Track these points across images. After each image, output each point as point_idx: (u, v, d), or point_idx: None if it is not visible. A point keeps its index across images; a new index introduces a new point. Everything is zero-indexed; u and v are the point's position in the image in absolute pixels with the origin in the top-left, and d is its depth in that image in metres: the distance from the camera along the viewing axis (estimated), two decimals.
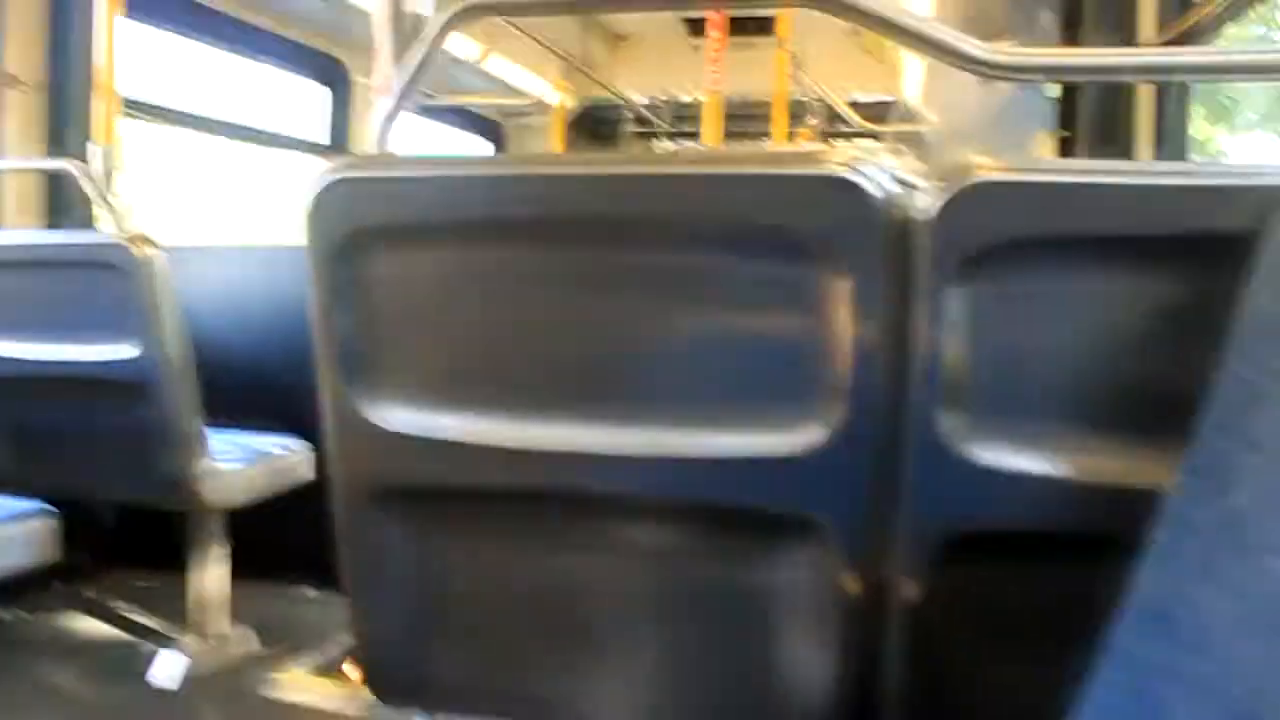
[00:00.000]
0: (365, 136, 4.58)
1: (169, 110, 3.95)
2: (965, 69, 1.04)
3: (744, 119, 6.55)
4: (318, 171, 1.08)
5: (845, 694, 1.04)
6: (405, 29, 1.25)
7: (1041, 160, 2.22)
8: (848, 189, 0.93)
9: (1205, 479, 0.70)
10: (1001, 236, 0.91)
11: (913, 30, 1.03)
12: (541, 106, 6.05)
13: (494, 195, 1.04)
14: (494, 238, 1.06)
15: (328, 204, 1.07)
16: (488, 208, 1.04)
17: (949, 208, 0.91)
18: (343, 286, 1.08)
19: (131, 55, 3.23)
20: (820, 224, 0.95)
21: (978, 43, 1.02)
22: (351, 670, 2.35)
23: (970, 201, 0.91)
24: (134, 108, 3.56)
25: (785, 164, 0.98)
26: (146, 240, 2.22)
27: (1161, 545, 0.72)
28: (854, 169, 0.93)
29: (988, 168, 0.92)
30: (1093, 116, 2.59)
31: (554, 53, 5.67)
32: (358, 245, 1.07)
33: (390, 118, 1.17)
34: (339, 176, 1.07)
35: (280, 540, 3.06)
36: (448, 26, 1.12)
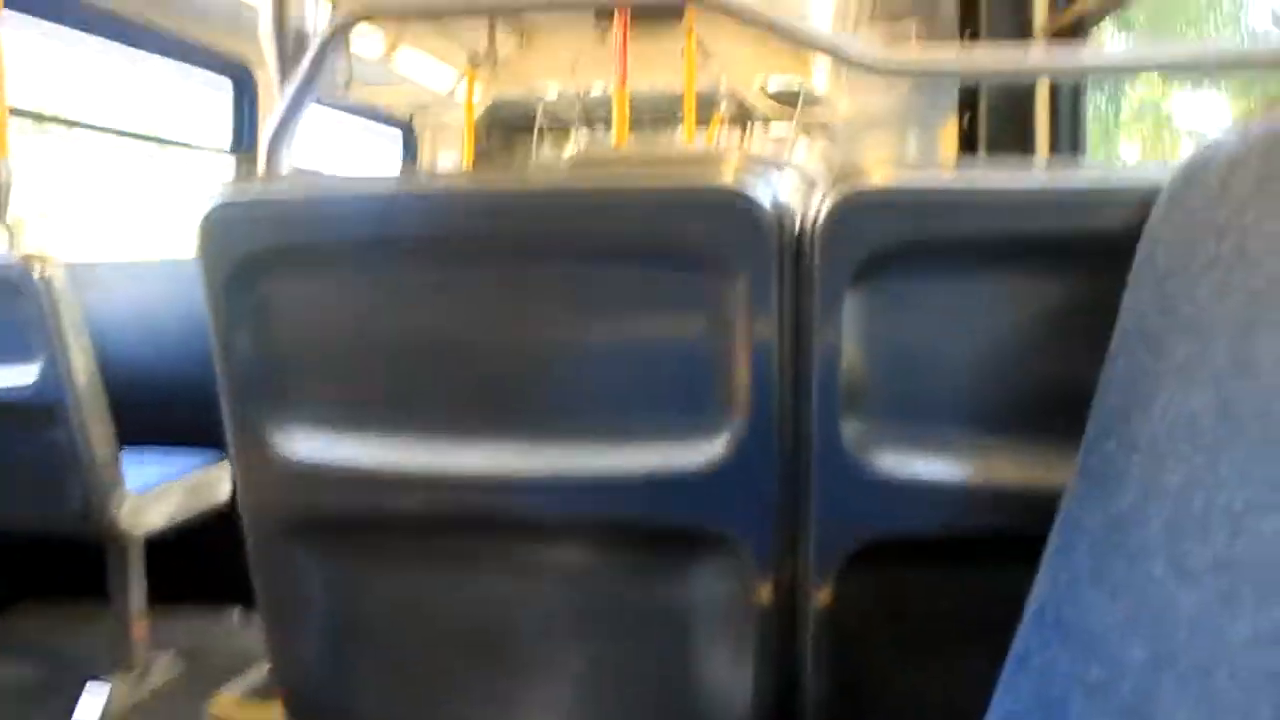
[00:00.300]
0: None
1: (62, 117, 3.82)
2: (855, 68, 1.07)
3: (656, 109, 6.56)
4: (205, 197, 1.06)
5: (764, 703, 1.06)
6: (290, 42, 1.22)
7: (927, 164, 2.27)
8: (738, 201, 0.94)
9: (1093, 482, 0.73)
10: (889, 244, 0.93)
11: (792, 31, 1.05)
12: (452, 103, 5.98)
13: (388, 216, 1.03)
14: (390, 259, 1.05)
15: (218, 229, 1.05)
16: (381, 229, 1.03)
17: (836, 216, 0.93)
18: (239, 313, 1.06)
19: (14, 57, 3.10)
20: (712, 236, 0.96)
21: (856, 42, 1.05)
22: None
23: (857, 210, 0.93)
24: (23, 116, 3.45)
25: (679, 178, 0.99)
26: (46, 259, 2.15)
27: (1055, 549, 0.75)
28: (744, 180, 0.95)
29: (873, 175, 0.94)
30: (991, 109, 2.65)
31: (461, 45, 5.61)
32: (251, 270, 1.05)
33: (279, 134, 1.15)
34: (227, 201, 1.05)
35: (201, 562, 3.00)
36: (330, 40, 1.10)
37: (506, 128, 7.23)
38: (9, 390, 2.18)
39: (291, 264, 1.05)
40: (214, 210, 1.04)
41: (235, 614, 2.96)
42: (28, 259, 2.13)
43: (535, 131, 6.50)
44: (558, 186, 1.02)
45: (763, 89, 6.11)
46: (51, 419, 2.18)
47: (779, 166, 0.99)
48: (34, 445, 2.22)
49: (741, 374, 0.98)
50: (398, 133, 6.42)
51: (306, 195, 1.04)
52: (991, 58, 1.28)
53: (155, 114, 4.29)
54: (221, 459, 2.64)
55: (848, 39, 1.05)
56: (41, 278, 2.12)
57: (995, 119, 2.61)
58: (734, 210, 0.94)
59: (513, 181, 1.04)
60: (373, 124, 6.21)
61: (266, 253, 1.05)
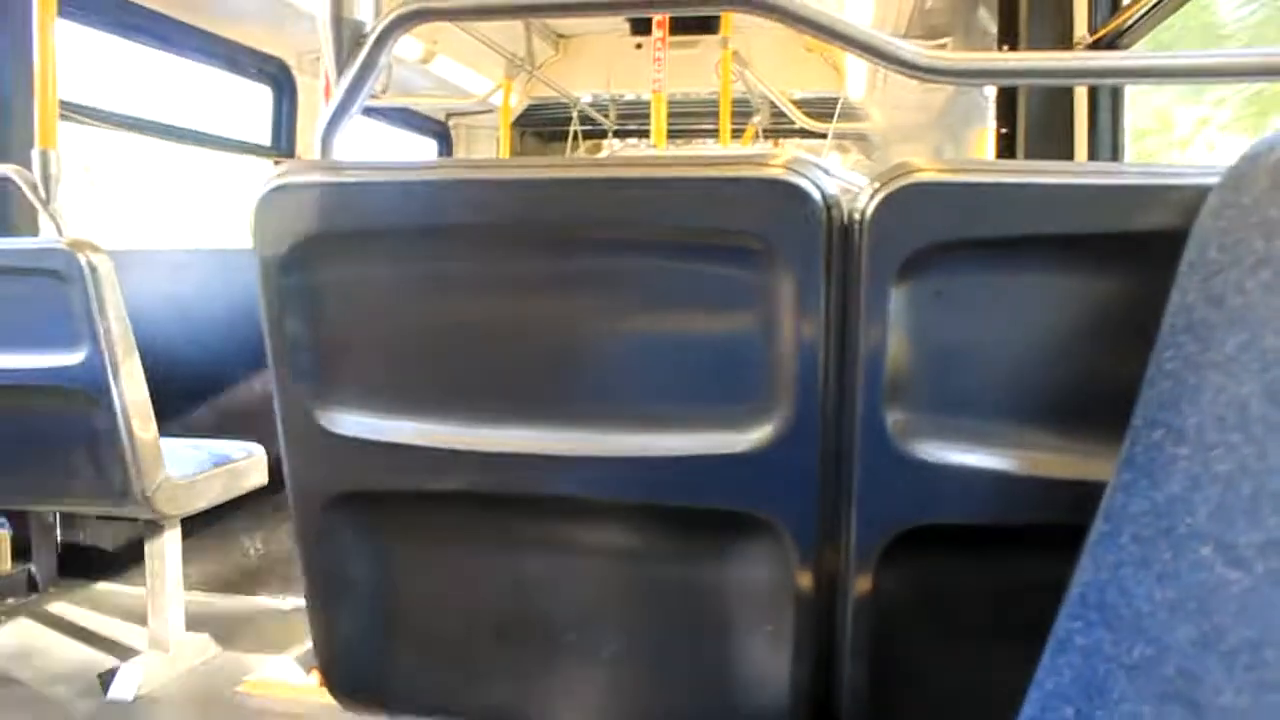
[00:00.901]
0: (311, 139, 4.54)
1: (109, 113, 3.89)
2: (899, 72, 1.08)
3: (690, 116, 6.59)
4: (262, 179, 1.09)
5: (802, 687, 1.07)
6: (347, 35, 1.25)
7: (976, 161, 2.28)
8: (788, 191, 0.95)
9: (1139, 472, 0.74)
10: (937, 236, 0.94)
11: (847, 35, 1.06)
12: (488, 107, 6.04)
13: (438, 201, 1.05)
14: (439, 243, 1.06)
15: (272, 212, 1.07)
16: (432, 214, 1.05)
17: (885, 208, 0.94)
18: (291, 294, 1.09)
19: (69, 58, 3.17)
20: (762, 226, 0.97)
21: (911, 46, 1.05)
22: (314, 675, 2.36)
23: (906, 202, 0.94)
24: (74, 111, 3.51)
25: (727, 167, 0.99)
26: (91, 245, 2.20)
27: (1100, 536, 0.76)
28: (794, 171, 0.96)
29: (922, 169, 0.94)
30: (1030, 114, 2.66)
31: (498, 52, 5.66)
32: (304, 252, 1.07)
33: (333, 124, 1.17)
34: (282, 184, 1.07)
35: (236, 545, 3.05)
36: (385, 33, 1.12)
37: (541, 134, 7.29)
38: (54, 372, 2.23)
39: (343, 246, 1.07)
40: (269, 192, 1.07)
41: (266, 597, 3.00)
42: (74, 244, 2.17)
43: (570, 137, 6.53)
44: (605, 174, 1.04)
45: (797, 99, 6.12)
46: (95, 402, 2.22)
47: (825, 166, 1.00)
48: (77, 428, 2.26)
49: (787, 362, 0.99)
50: (427, 140, 6.49)
51: (359, 180, 1.07)
52: (1034, 62, 1.29)
53: (194, 115, 4.35)
54: (256, 449, 2.67)
55: (895, 44, 1.06)
56: (87, 263, 2.16)
57: (1033, 127, 2.62)
58: (784, 199, 0.96)
59: (560, 168, 1.05)
60: (408, 129, 6.27)
61: (319, 235, 1.07)
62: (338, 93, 1.18)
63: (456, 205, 1.05)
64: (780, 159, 0.98)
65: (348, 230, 1.07)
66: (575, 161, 1.06)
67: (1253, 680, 0.54)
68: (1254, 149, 0.74)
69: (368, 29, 1.18)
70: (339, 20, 1.22)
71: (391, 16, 1.12)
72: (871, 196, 0.94)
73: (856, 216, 0.95)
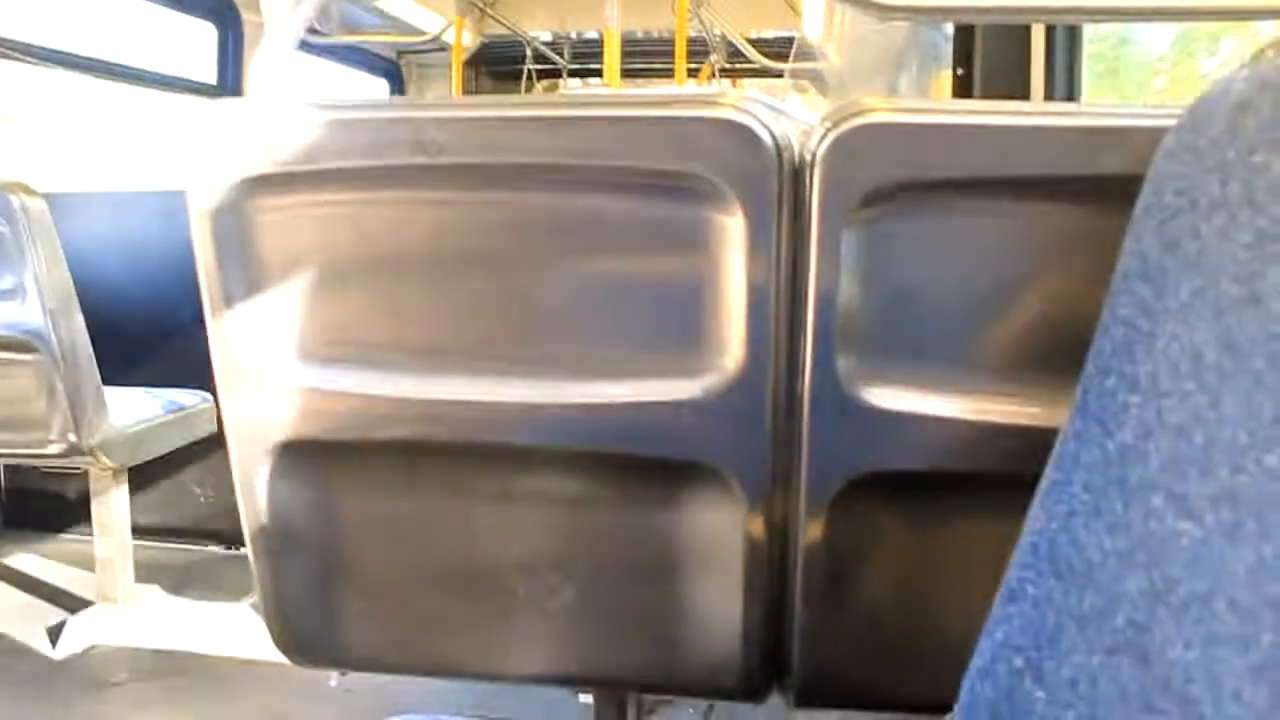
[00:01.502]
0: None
1: (39, 49, 3.74)
2: (856, 8, 1.05)
3: (645, 56, 6.49)
4: (197, 116, 1.04)
5: (753, 635, 1.07)
6: None
7: (930, 101, 2.27)
8: (739, 131, 0.93)
9: (1091, 420, 0.74)
10: (890, 177, 0.92)
11: None
12: (440, 45, 5.90)
13: (380, 140, 1.02)
14: (380, 183, 1.03)
15: (205, 154, 1.03)
16: (374, 153, 1.02)
17: (836, 148, 0.92)
18: (226, 239, 1.05)
19: None
20: (711, 166, 0.95)
21: None
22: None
23: (858, 142, 0.92)
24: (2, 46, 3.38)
25: (676, 106, 0.97)
26: (24, 187, 2.12)
27: (1052, 484, 0.75)
28: (744, 111, 0.94)
29: (875, 108, 0.92)
30: (987, 55, 2.63)
31: None
32: (240, 195, 1.04)
33: (274, 59, 1.13)
34: (214, 123, 1.03)
35: (185, 495, 3.01)
36: None
37: (494, 73, 7.15)
38: None
39: (279, 188, 1.04)
40: (203, 132, 1.02)
41: (217, 548, 2.97)
42: (6, 186, 2.10)
43: (524, 77, 6.42)
44: (552, 112, 1.00)
45: (754, 39, 6.04)
46: (33, 349, 2.17)
47: (777, 106, 0.98)
48: (17, 378, 2.21)
49: (737, 307, 0.97)
50: (378, 80, 6.34)
51: (297, 118, 1.02)
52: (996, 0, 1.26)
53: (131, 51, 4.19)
54: (205, 396, 2.63)
55: None
56: (20, 206, 2.09)
57: (990, 67, 2.60)
58: (733, 140, 0.93)
59: (507, 106, 1.02)
60: (358, 68, 6.12)
61: (255, 177, 1.03)
62: (273, 26, 1.14)
63: (399, 144, 1.01)
64: (730, 98, 0.95)
65: (284, 172, 1.03)
66: (522, 100, 1.03)
67: (1202, 634, 0.54)
68: (1212, 90, 0.73)
69: None
70: None
71: None
72: (823, 136, 0.92)
73: (808, 157, 0.93)
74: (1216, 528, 0.56)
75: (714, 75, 6.46)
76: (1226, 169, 0.68)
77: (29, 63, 3.63)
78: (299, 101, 1.05)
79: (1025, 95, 2.51)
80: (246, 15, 4.58)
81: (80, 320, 2.20)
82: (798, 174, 0.94)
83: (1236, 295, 0.63)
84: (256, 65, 1.16)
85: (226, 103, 1.05)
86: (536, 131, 0.99)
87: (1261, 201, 0.63)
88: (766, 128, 0.93)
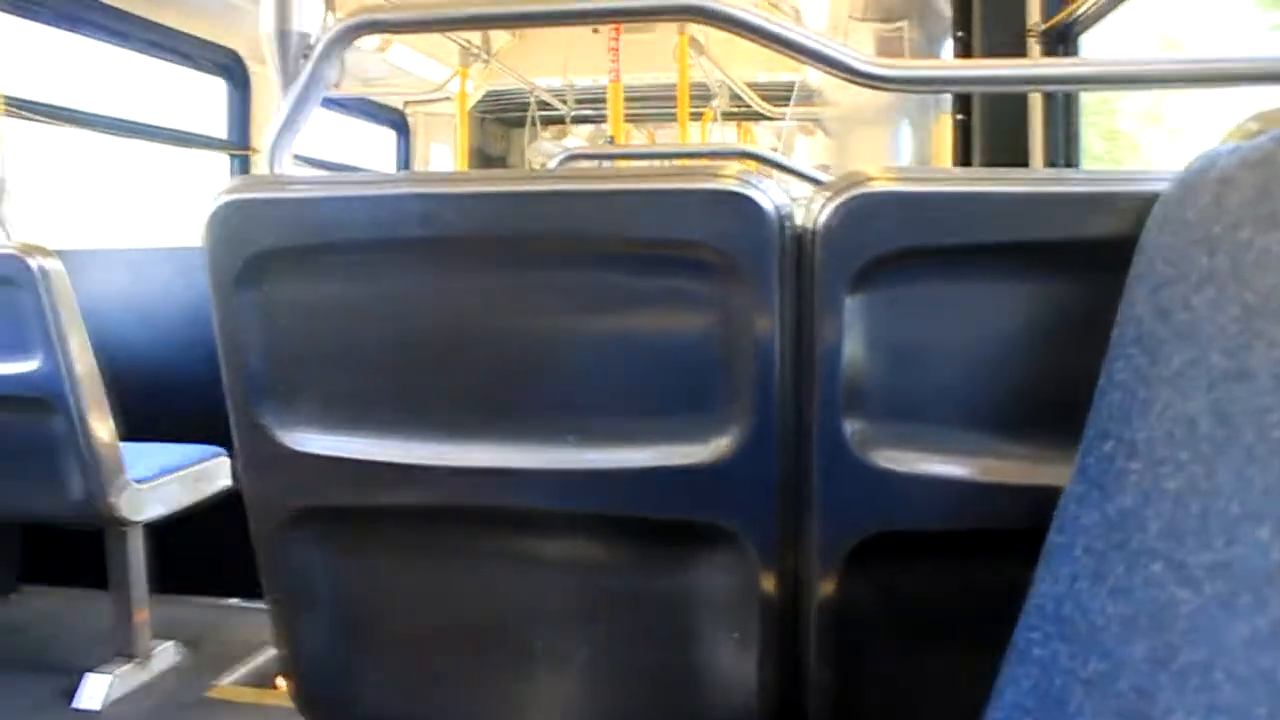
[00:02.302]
0: (269, 131, 4.47)
1: (57, 109, 3.81)
2: (848, 80, 1.09)
3: (648, 101, 6.57)
4: (212, 195, 1.08)
5: (767, 695, 1.09)
6: (293, 47, 1.24)
7: (927, 169, 2.30)
8: (740, 203, 0.96)
9: (1091, 483, 0.76)
10: (890, 246, 0.95)
11: (796, 43, 1.06)
12: (446, 95, 5.98)
13: (388, 215, 1.05)
14: (392, 257, 1.06)
15: (223, 227, 1.06)
16: (383, 228, 1.05)
17: (837, 219, 0.94)
18: (244, 309, 1.08)
19: (9, 51, 3.10)
20: (715, 238, 0.97)
21: (859, 54, 1.06)
22: (283, 683, 2.35)
23: (858, 212, 0.94)
24: (19, 108, 3.44)
25: (679, 179, 1.00)
26: (42, 250, 2.16)
27: (1056, 547, 0.77)
28: (746, 183, 0.96)
29: (874, 178, 0.95)
30: (986, 102, 2.68)
31: (454, 40, 5.61)
32: (256, 268, 1.07)
33: (281, 136, 1.17)
34: (232, 199, 1.06)
35: (203, 551, 3.02)
36: (331, 46, 1.12)
37: (499, 121, 7.24)
38: (7, 380, 2.19)
39: (296, 261, 1.07)
40: (221, 207, 1.06)
41: (236, 602, 2.98)
42: (24, 248, 2.14)
43: (528, 124, 6.50)
44: (559, 187, 1.04)
45: (754, 83, 6.11)
46: (51, 409, 2.19)
47: (782, 167, 1.01)
48: (35, 435, 2.23)
49: (745, 372, 1.00)
50: (385, 129, 6.42)
51: (311, 194, 1.06)
52: (988, 69, 1.30)
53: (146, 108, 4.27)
54: (221, 451, 2.65)
55: (847, 53, 1.07)
56: (39, 268, 2.12)
57: (990, 120, 2.64)
58: (736, 212, 0.96)
59: (515, 181, 1.05)
60: (365, 119, 6.20)
61: (272, 249, 1.06)
62: (285, 105, 1.17)
63: (408, 219, 1.04)
64: (732, 170, 0.98)
65: (299, 245, 1.07)
66: (528, 175, 1.06)
67: (1204, 703, 0.56)
68: (1198, 163, 0.76)
69: (314, 39, 1.17)
70: (285, 33, 1.21)
71: (336, 30, 1.11)
72: (823, 206, 0.95)
73: (810, 226, 0.96)
74: (1214, 598, 0.58)
75: (715, 120, 6.54)
76: (1213, 243, 0.70)
77: (41, 122, 3.70)
78: (308, 177, 1.08)
79: (1024, 140, 2.55)
80: (254, 68, 4.65)
81: (98, 378, 2.23)
82: (800, 243, 0.97)
83: (1226, 368, 0.65)
84: (269, 134, 1.19)
85: (242, 179, 1.08)
86: (542, 206, 1.02)
87: (1248, 276, 0.66)
88: (769, 199, 0.96)
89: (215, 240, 1.06)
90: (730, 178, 0.97)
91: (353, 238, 1.05)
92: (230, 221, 1.06)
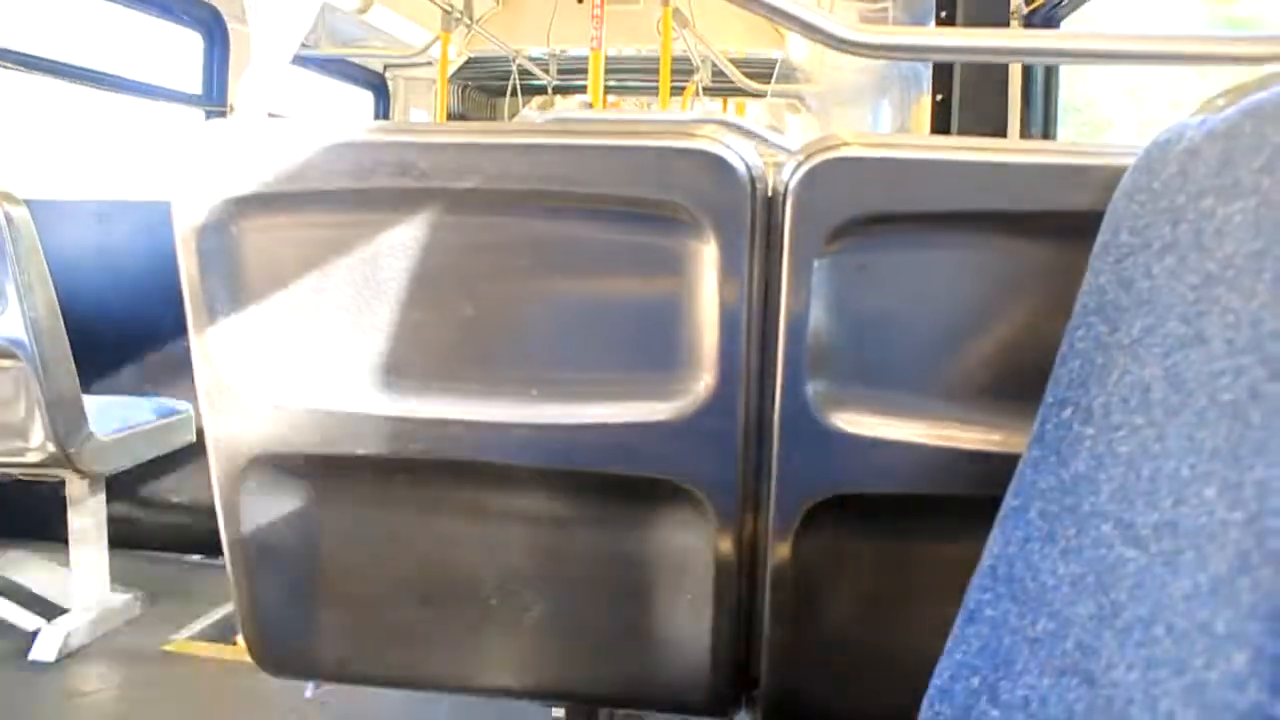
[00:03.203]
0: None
1: (25, 56, 3.74)
2: (832, 47, 1.08)
3: (630, 73, 6.54)
4: (185, 133, 1.06)
5: (722, 651, 1.10)
6: None
7: (902, 135, 2.31)
8: (714, 162, 0.96)
9: (1048, 448, 0.77)
10: (861, 210, 0.95)
11: (782, 9, 1.06)
12: (427, 59, 5.92)
13: (365, 163, 1.04)
14: (366, 206, 1.05)
15: (191, 172, 1.05)
16: (358, 176, 1.04)
17: (809, 181, 0.95)
18: (212, 254, 1.07)
19: None
20: (687, 196, 0.97)
21: (843, 23, 1.06)
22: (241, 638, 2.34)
23: (830, 175, 0.95)
24: None
25: (654, 137, 1.00)
26: (7, 196, 2.13)
27: (1010, 510, 0.78)
28: (720, 143, 0.97)
29: (847, 143, 0.95)
30: (965, 82, 2.68)
31: (436, 4, 5.55)
32: (226, 213, 1.05)
33: (258, 82, 1.15)
34: (201, 143, 1.05)
35: (163, 504, 3.00)
36: None
37: (480, 88, 7.18)
38: None
39: (265, 208, 1.06)
40: (192, 149, 1.04)
41: (194, 557, 2.96)
42: None
43: (509, 93, 6.45)
44: (534, 140, 1.03)
45: (737, 59, 6.09)
46: (14, 359, 2.17)
47: (756, 133, 1.01)
48: None
49: (710, 332, 1.00)
50: (363, 93, 6.35)
51: (283, 140, 1.05)
52: (968, 40, 1.30)
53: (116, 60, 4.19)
54: (186, 406, 2.63)
55: (828, 19, 1.06)
56: (3, 215, 2.09)
57: (969, 97, 2.64)
58: (709, 170, 0.96)
59: (488, 133, 1.04)
60: (343, 81, 6.13)
61: (243, 195, 1.05)
62: (262, 47, 1.16)
63: (384, 168, 1.03)
64: (707, 130, 0.98)
65: (271, 191, 1.05)
66: (504, 128, 1.05)
67: (1143, 656, 0.56)
68: (1165, 134, 0.76)
69: None
70: None
71: None
72: (796, 169, 0.95)
73: (780, 188, 0.96)
74: (1159, 555, 0.59)
75: (697, 94, 6.52)
76: (1177, 212, 0.71)
77: (12, 69, 3.63)
78: (285, 122, 1.07)
79: (1003, 120, 2.56)
80: (234, 26, 4.58)
81: (61, 329, 2.21)
82: (771, 205, 0.97)
83: (1183, 334, 0.66)
84: (245, 83, 1.18)
85: (215, 122, 1.07)
86: (518, 158, 1.01)
87: (1209, 245, 0.67)
88: (742, 159, 0.96)
89: (184, 184, 1.05)
90: (704, 137, 0.97)
91: (326, 185, 1.04)
92: (199, 167, 1.05)
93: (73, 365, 2.24)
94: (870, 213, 0.95)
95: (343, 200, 1.05)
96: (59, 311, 2.20)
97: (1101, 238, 0.80)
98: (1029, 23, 2.67)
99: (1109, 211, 0.80)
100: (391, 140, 1.03)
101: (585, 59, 4.98)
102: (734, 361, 1.00)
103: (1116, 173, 0.81)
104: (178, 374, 2.86)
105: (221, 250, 1.07)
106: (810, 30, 1.07)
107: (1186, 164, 0.71)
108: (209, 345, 1.09)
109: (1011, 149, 0.98)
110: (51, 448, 2.23)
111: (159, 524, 2.98)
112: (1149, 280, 0.72)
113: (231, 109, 4.58)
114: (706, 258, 0.98)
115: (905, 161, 0.95)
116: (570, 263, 1.03)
